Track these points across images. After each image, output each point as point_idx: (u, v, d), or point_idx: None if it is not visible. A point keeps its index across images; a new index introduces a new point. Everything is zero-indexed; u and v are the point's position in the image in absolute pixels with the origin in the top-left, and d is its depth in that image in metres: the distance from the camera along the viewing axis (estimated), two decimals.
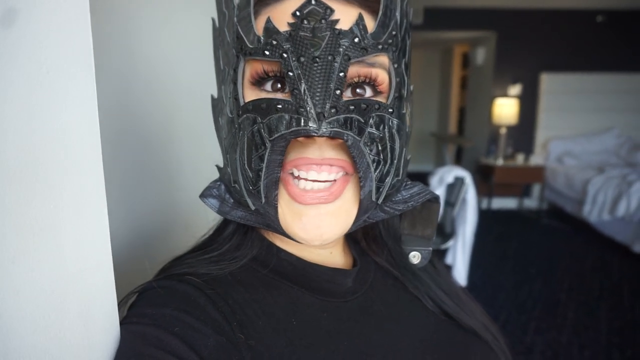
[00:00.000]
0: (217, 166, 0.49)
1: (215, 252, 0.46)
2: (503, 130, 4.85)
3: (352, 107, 0.36)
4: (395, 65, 0.40)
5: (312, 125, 0.35)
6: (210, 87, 0.52)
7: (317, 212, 0.39)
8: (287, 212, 0.40)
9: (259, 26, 0.37)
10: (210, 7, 0.45)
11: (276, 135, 0.36)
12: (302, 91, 0.35)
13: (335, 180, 0.39)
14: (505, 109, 4.76)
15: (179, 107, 0.79)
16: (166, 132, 0.76)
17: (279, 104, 0.36)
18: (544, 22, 4.79)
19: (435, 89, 7.27)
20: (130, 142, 0.65)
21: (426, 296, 0.51)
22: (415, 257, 0.51)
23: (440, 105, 7.24)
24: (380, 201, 0.41)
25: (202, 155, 0.84)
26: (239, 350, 0.37)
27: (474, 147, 5.40)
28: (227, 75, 0.41)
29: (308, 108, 0.35)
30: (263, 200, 0.39)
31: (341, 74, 0.35)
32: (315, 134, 0.35)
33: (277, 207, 0.39)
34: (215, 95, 0.47)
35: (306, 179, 0.39)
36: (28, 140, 0.27)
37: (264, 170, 0.37)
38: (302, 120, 0.35)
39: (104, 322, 0.35)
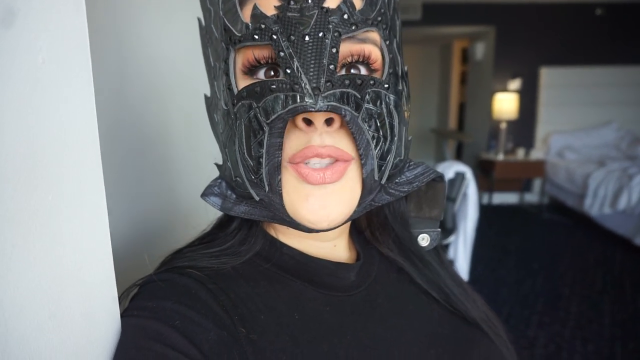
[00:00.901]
0: (216, 164, 0.48)
1: (218, 247, 0.46)
2: (503, 125, 4.85)
3: (347, 82, 0.36)
4: (387, 42, 0.40)
5: (308, 100, 0.34)
6: (207, 84, 0.51)
7: (324, 191, 0.39)
8: (294, 196, 0.39)
9: (245, 15, 0.37)
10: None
11: (273, 117, 0.35)
12: (296, 68, 0.34)
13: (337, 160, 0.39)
14: (505, 103, 4.75)
15: (177, 104, 0.79)
16: (164, 130, 0.76)
17: (272, 84, 0.35)
18: (542, 16, 4.78)
19: (434, 85, 7.26)
20: (128, 140, 0.65)
21: (433, 284, 0.50)
22: (424, 240, 0.51)
23: (440, 101, 7.22)
24: (383, 181, 0.40)
25: (201, 152, 0.84)
26: (240, 345, 0.37)
27: (474, 143, 5.40)
28: (218, 70, 0.41)
29: (303, 84, 0.34)
30: (267, 189, 0.39)
31: (333, 50, 0.35)
32: (313, 109, 0.34)
33: (281, 193, 0.39)
34: (209, 94, 0.47)
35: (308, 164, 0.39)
36: (26, 133, 0.27)
37: (264, 156, 0.37)
38: (298, 97, 0.34)
39: (104, 315, 0.35)
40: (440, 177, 0.49)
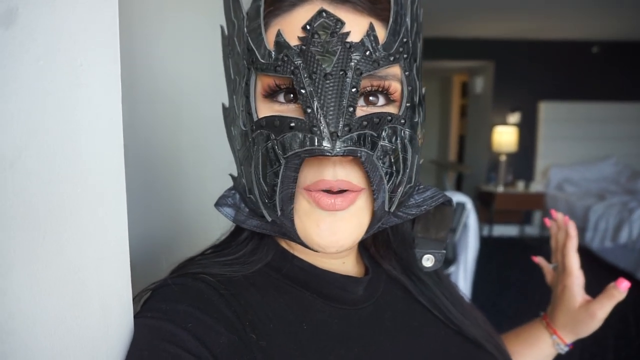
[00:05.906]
0: (231, 175, 0.49)
1: (229, 256, 0.46)
2: (503, 158, 4.89)
3: (365, 123, 0.36)
4: (407, 73, 0.40)
5: (326, 145, 0.34)
6: (216, 97, 0.52)
7: (333, 218, 0.39)
8: (306, 220, 0.40)
9: (269, 39, 0.37)
10: (217, 17, 0.45)
11: (290, 153, 0.35)
12: (315, 109, 0.34)
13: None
14: (505, 136, 4.81)
15: (187, 121, 0.80)
16: (175, 144, 0.77)
17: (292, 122, 0.35)
18: (540, 53, 4.90)
19: (435, 118, 7.35)
20: (137, 153, 0.66)
21: (432, 302, 0.51)
22: (429, 260, 0.50)
23: (440, 133, 7.31)
24: (392, 210, 0.41)
25: (209, 164, 0.85)
26: (250, 350, 0.37)
27: (474, 175, 5.42)
28: (237, 85, 0.41)
29: (322, 127, 0.34)
30: (279, 213, 0.39)
31: (353, 90, 0.35)
32: (330, 154, 0.34)
33: (293, 219, 0.39)
34: (226, 104, 0.47)
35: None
36: (63, 129, 0.28)
37: (279, 185, 0.37)
38: (316, 140, 0.34)
39: (120, 312, 0.35)
40: (448, 201, 0.49)
